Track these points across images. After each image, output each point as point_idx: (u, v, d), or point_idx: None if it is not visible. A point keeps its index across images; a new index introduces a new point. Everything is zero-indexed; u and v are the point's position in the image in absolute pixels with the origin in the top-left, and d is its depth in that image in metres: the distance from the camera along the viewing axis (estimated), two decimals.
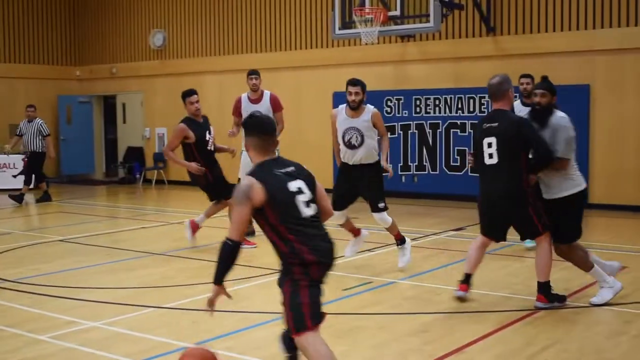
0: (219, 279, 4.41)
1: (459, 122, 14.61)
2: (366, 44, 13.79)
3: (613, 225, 12.20)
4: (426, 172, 15.04)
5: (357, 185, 8.38)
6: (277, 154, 4.66)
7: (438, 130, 14.82)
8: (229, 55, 18.46)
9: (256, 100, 10.51)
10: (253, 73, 10.59)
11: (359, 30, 13.55)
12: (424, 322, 6.39)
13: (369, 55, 15.77)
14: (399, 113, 15.29)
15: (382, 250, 9.66)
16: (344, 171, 8.43)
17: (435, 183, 14.97)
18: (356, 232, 8.82)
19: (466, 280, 6.95)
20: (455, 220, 12.25)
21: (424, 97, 14.99)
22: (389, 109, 15.41)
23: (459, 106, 14.60)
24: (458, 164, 14.63)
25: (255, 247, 9.69)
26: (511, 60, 14.33)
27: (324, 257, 4.35)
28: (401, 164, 15.33)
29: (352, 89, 8.15)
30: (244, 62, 17.94)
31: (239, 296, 7.36)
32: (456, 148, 14.67)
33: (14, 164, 18.43)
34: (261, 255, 9.38)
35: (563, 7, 13.88)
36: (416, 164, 15.16)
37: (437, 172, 14.92)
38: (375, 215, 8.37)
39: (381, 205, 8.30)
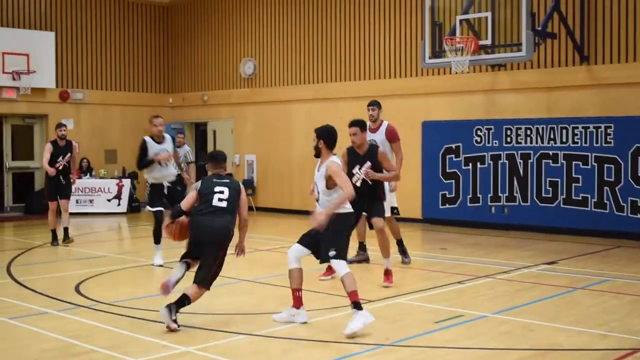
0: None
1: (551, 152, 14.32)
2: (456, 73, 13.71)
3: None
4: (517, 203, 14.77)
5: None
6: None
7: (529, 161, 14.56)
8: (317, 84, 18.63)
9: (374, 130, 10.55)
10: (372, 104, 10.69)
11: (450, 60, 13.49)
12: (518, 359, 6.24)
13: (459, 84, 15.68)
14: (489, 143, 15.09)
15: (472, 283, 9.51)
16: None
17: (526, 214, 14.68)
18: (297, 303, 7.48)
19: None
20: (547, 253, 11.97)
21: (515, 126, 14.76)
22: (478, 139, 15.24)
23: (551, 136, 14.31)
24: (550, 195, 14.32)
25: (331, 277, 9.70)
26: (606, 90, 14.02)
27: (197, 231, 7.49)
28: (491, 194, 15.11)
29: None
30: (332, 90, 18.11)
31: (331, 325, 7.36)
32: (548, 179, 14.36)
33: (108, 188, 18.97)
34: None
35: None
36: (506, 194, 14.91)
37: (528, 204, 14.63)
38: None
39: (331, 253, 7.18)
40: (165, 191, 11.14)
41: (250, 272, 10.35)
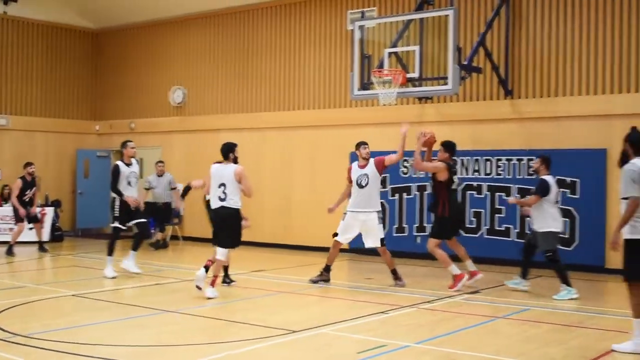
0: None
1: (475, 184, 14.58)
2: (384, 105, 13.86)
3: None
4: None
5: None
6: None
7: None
8: (247, 113, 18.61)
9: (363, 166, 11.93)
10: (365, 142, 12.21)
11: (378, 92, 13.62)
12: None
13: (386, 116, 15.84)
14: (415, 174, 15.29)
15: (396, 313, 9.56)
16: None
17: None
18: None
19: None
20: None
21: None
22: (405, 170, 15.42)
23: (476, 168, 14.58)
24: (474, 225, 14.55)
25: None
26: (528, 123, 14.38)
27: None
28: (417, 224, 15.28)
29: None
30: (263, 120, 18.13)
31: (256, 356, 7.29)
32: (472, 210, 14.60)
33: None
34: (275, 314, 9.31)
35: (581, 72, 13.95)
36: (432, 224, 15.06)
37: None
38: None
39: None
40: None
41: (174, 302, 10.19)
